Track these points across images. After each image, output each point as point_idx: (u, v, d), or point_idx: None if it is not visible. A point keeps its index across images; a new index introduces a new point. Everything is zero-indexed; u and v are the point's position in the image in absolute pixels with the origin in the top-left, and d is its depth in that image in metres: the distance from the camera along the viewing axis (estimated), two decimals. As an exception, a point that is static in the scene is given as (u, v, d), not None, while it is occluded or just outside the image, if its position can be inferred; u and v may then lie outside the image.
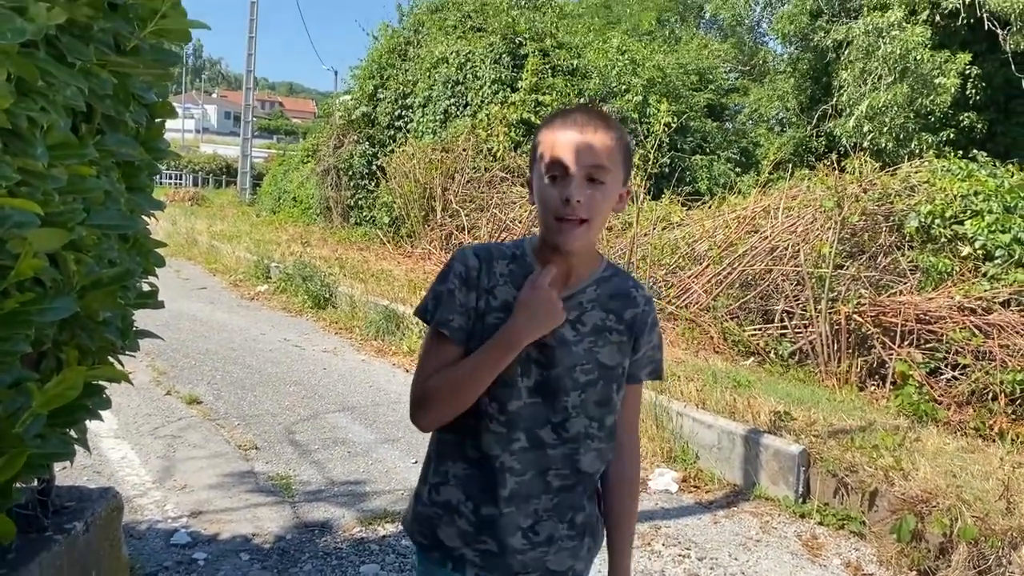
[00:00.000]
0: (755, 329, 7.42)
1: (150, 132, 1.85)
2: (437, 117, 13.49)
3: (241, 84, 24.84)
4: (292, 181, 18.80)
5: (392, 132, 14.51)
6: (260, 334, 7.13)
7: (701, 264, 8.47)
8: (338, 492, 3.76)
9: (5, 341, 1.30)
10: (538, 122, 12.39)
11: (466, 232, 10.95)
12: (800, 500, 4.06)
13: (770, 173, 10.67)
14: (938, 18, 15.49)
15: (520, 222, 10.55)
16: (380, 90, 15.11)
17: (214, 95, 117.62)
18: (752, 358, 7.07)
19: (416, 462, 4.24)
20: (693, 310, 8.02)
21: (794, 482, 4.13)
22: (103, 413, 3.98)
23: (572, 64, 13.33)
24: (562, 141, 1.43)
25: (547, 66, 13.03)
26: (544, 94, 12.61)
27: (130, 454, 3.99)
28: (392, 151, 13.42)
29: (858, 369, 6.51)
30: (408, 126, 14.22)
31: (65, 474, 3.61)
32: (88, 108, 1.58)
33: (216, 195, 27.15)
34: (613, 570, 1.66)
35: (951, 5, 15.02)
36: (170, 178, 32.89)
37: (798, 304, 7.39)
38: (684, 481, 4.32)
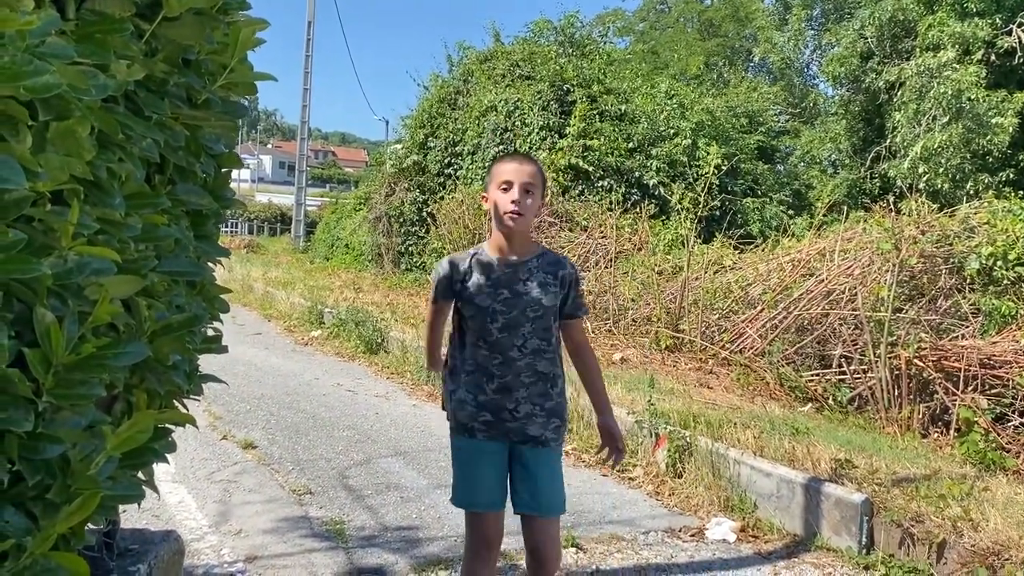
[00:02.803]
0: (812, 375, 7.26)
1: (217, 181, 1.91)
2: (486, 164, 13.66)
3: (295, 134, 25.51)
4: (345, 228, 19.16)
5: (442, 179, 14.74)
6: (313, 379, 7.22)
7: (755, 308, 8.36)
8: (391, 538, 3.75)
9: (82, 384, 1.33)
10: (587, 167, 12.51)
11: (515, 277, 10.99)
12: (864, 551, 3.92)
13: (824, 215, 10.55)
14: (993, 57, 15.27)
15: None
16: (430, 138, 15.40)
17: (269, 145, 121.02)
18: (810, 404, 6.91)
19: (469, 508, 4.22)
20: (747, 355, 7.89)
21: (857, 532, 4.00)
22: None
23: (620, 109, 13.43)
24: (508, 168, 2.54)
25: (595, 112, 13.15)
26: (592, 139, 12.72)
27: (187, 498, 4.04)
28: (442, 198, 13.60)
29: (920, 415, 6.31)
30: (458, 173, 14.43)
31: (126, 516, 3.67)
32: (161, 159, 1.64)
33: (271, 243, 27.78)
34: (599, 426, 2.78)
35: (1006, 44, 14.81)
36: (226, 226, 33.74)
37: (856, 349, 7.23)
38: (742, 531, 4.21)
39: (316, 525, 3.83)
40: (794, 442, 4.75)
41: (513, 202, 2.49)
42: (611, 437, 2.74)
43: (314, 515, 3.97)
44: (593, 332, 9.13)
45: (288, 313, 10.79)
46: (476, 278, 2.57)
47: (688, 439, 4.79)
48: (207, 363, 5.92)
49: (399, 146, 17.02)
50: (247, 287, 13.20)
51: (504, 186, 2.52)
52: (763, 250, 9.84)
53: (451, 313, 2.73)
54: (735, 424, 5.05)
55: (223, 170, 1.94)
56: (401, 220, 14.70)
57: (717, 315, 8.67)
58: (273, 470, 4.56)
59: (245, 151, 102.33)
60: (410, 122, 16.63)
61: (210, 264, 2.06)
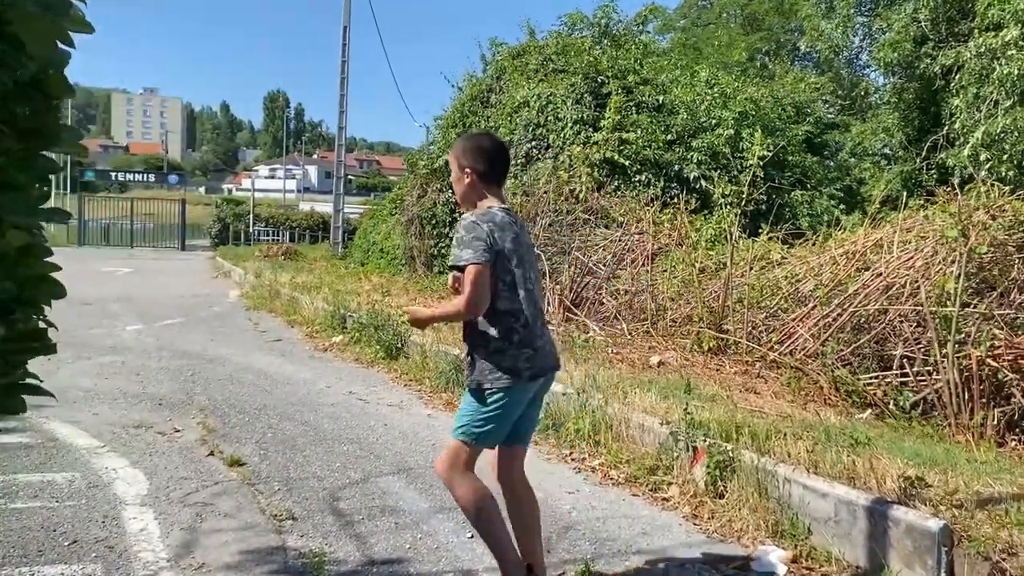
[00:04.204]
0: (871, 377, 6.54)
1: (40, 117, 1.38)
2: (518, 161, 13.12)
3: (343, 147, 25.31)
4: (379, 232, 18.78)
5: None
6: (325, 387, 6.72)
7: (806, 306, 7.65)
8: (376, 574, 3.20)
9: None
10: (623, 161, 11.87)
11: (548, 277, 10.40)
12: (944, 590, 3.25)
13: (880, 206, 9.77)
14: (1062, 34, 14.21)
15: (604, 264, 9.94)
16: (462, 138, 14.91)
17: (315, 156, 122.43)
18: (868, 411, 6.19)
19: (472, 536, 3.65)
20: (799, 357, 7.19)
21: (934, 566, 3.33)
22: (136, 478, 3.55)
23: (658, 100, 12.78)
24: None
25: (631, 103, 12.52)
26: (628, 132, 12.08)
27: (151, 525, 3.55)
28: (473, 197, 13.10)
29: (994, 421, 5.58)
30: (490, 172, 13.91)
31: (74, 549, 3.19)
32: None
33: (310, 249, 27.59)
34: None
35: (1074, 19, 13.76)
36: (267, 234, 33.77)
37: (919, 348, 6.51)
38: (794, 561, 3.57)
39: (292, 557, 3.30)
40: (854, 455, 4.08)
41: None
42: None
43: (292, 545, 3.44)
44: (630, 334, 8.50)
45: (311, 319, 10.36)
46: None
47: (730, 453, 4.15)
48: (211, 373, 5.52)
49: (432, 147, 16.57)
50: (274, 292, 12.83)
51: None
52: (814, 244, 9.10)
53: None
54: (785, 435, 4.40)
55: (53, 102, 1.40)
56: (433, 222, 14.22)
57: (764, 314, 7.97)
58: (257, 491, 4.05)
59: (291, 161, 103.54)
60: (442, 122, 16.18)
61: (39, 231, 1.52)
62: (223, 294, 14.57)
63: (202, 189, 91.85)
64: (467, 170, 2.94)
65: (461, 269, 2.75)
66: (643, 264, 9.80)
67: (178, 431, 5.01)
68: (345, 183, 27.59)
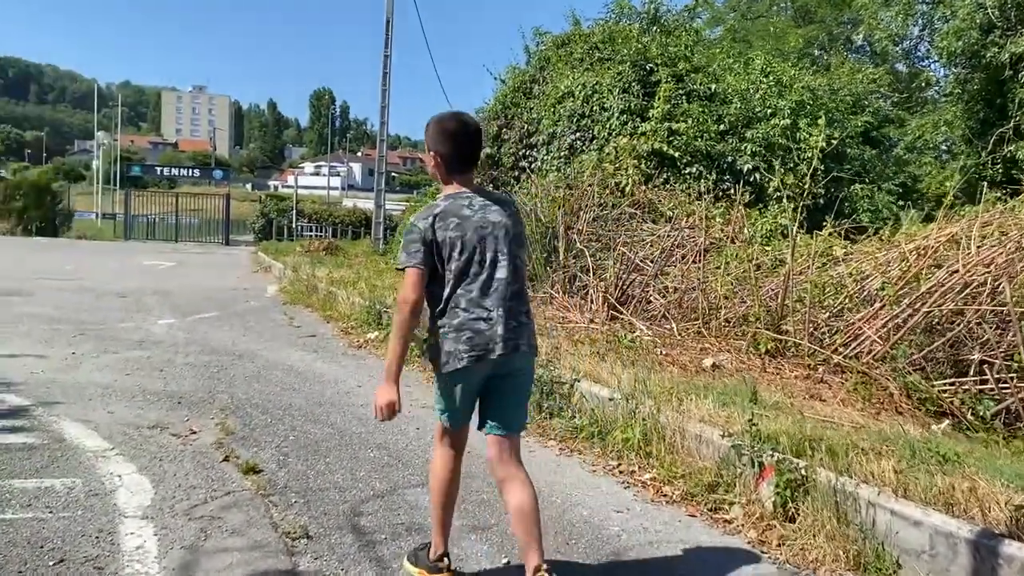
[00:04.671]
0: (947, 383, 5.96)
1: None
2: (562, 153, 12.66)
3: (384, 143, 25.07)
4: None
5: (516, 173, 13.80)
6: (356, 386, 6.34)
7: (873, 305, 7.06)
8: (397, 607, 2.78)
9: None
10: (672, 153, 11.33)
11: (591, 273, 9.91)
12: (1072, 645, 2.72)
13: (949, 206, 9.11)
14: None
15: (652, 261, 9.42)
16: (504, 130, 14.50)
17: (359, 154, 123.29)
18: (946, 421, 5.61)
19: (508, 561, 3.21)
20: (865, 360, 6.62)
21: (1055, 614, 2.80)
22: (141, 486, 3.17)
23: (709, 89, 12.20)
24: None
25: (681, 92, 11.96)
26: (678, 122, 11.53)
27: (149, 542, 3.17)
28: (515, 192, 12.66)
29: (1092, 435, 4.99)
30: (532, 166, 13.46)
31: (59, 570, 2.82)
32: None
33: (352, 245, 27.43)
34: None
35: None
36: (310, 230, 33.76)
37: (1000, 352, 5.93)
38: (882, 600, 3.06)
39: (302, 585, 2.90)
40: (947, 476, 3.54)
41: None
42: None
43: (304, 568, 3.04)
44: (680, 334, 7.98)
45: (348, 314, 10.02)
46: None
47: (803, 471, 3.64)
48: (237, 370, 5.15)
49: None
50: (311, 287, 12.54)
51: None
52: (880, 239, 8.48)
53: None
54: (862, 450, 3.87)
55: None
56: (473, 217, 13.83)
57: (827, 313, 7.39)
58: (271, 503, 3.66)
59: (336, 159, 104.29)
60: (483, 114, 15.77)
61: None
62: (261, 288, 14.35)
63: (248, 186, 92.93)
64: (432, 154, 2.95)
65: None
66: (694, 260, 9.26)
67: (194, 433, 4.65)
68: (388, 180, 27.40)
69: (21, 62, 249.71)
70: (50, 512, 3.36)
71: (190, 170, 45.18)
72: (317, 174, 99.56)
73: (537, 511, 2.89)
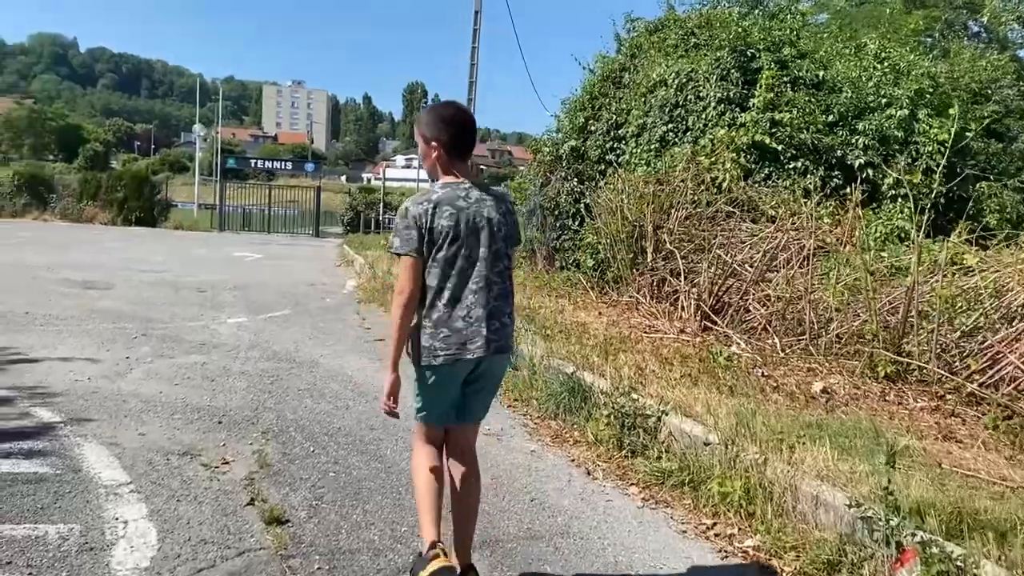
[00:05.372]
0: (1114, 425, 4.96)
1: None
2: (652, 146, 11.79)
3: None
4: (502, 223, 17.90)
5: (603, 167, 12.99)
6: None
7: (1016, 325, 6.05)
8: None
9: None
10: (775, 145, 10.33)
11: (682, 277, 9.08)
12: None
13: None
14: None
15: (751, 265, 8.52)
16: (591, 122, 13.71)
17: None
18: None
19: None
20: (1007, 391, 5.64)
21: None
22: (145, 538, 2.64)
23: (817, 76, 11.11)
24: None
25: (785, 80, 10.92)
26: (782, 112, 10.52)
27: (135, 620, 2.62)
28: (601, 187, 11.89)
29: None
30: (620, 159, 12.64)
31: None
32: None
33: (435, 239, 27.21)
34: None
35: None
36: (390, 223, 33.72)
37: None
38: None
39: None
40: None
41: None
42: None
43: (314, 669, 2.43)
44: (783, 351, 7.10)
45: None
46: None
47: (960, 562, 2.81)
48: (298, 380, 4.47)
49: (557, 133, 15.42)
50: (387, 285, 12.10)
51: None
52: (1019, 245, 7.37)
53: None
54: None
55: None
56: (556, 212, 13.11)
57: (958, 333, 6.40)
58: (288, 570, 3.06)
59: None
60: (570, 105, 15.00)
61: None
62: (340, 284, 14.05)
63: (343, 178, 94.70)
64: (433, 143, 2.85)
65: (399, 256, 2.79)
66: (800, 266, 8.31)
67: (226, 463, 4.13)
68: (477, 171, 26.96)
69: (134, 58, 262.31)
70: (30, 573, 2.85)
71: (283, 162, 46.01)
72: (408, 167, 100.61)
73: (477, 508, 3.03)
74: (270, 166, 43.00)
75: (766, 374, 6.38)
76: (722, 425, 4.29)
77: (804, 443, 4.03)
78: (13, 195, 29.75)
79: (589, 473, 4.39)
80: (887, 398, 5.90)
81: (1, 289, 10.15)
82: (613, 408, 4.68)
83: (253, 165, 40.70)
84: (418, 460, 2.98)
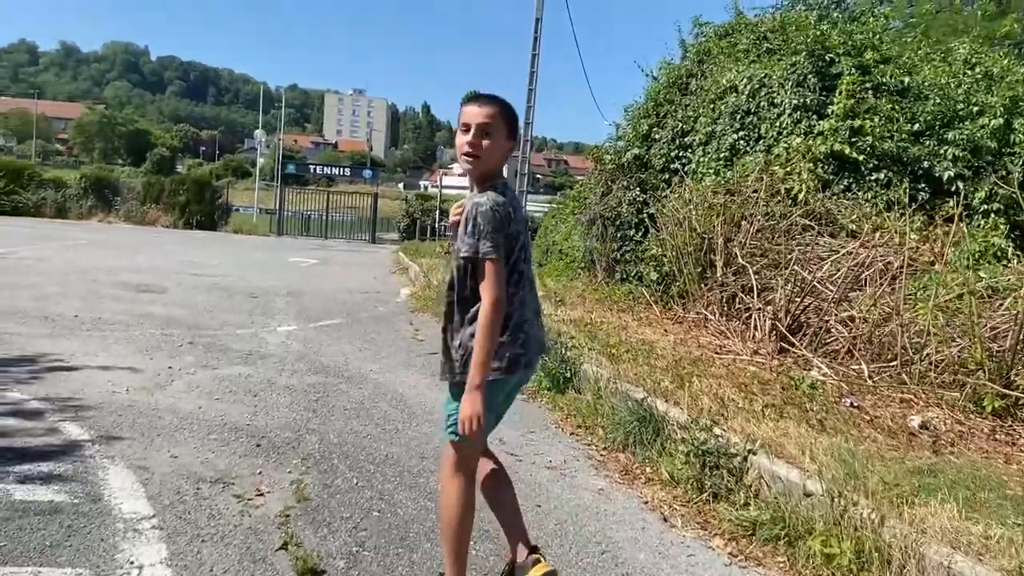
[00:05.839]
0: None
1: None
2: (721, 155, 11.20)
3: (529, 143, 24.32)
4: (560, 233, 17.46)
5: (667, 176, 12.44)
6: (471, 428, 5.30)
7: None
8: None
9: None
10: (856, 155, 9.65)
11: (755, 294, 8.49)
12: None
13: None
14: None
15: (833, 282, 7.88)
16: (655, 129, 13.17)
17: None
18: None
19: None
20: None
21: None
22: None
23: (901, 82, 10.39)
24: (467, 110, 2.61)
25: (867, 86, 10.23)
26: (864, 120, 9.84)
27: None
28: (665, 196, 11.33)
29: None
30: (686, 168, 12.07)
31: None
32: None
33: (490, 248, 26.85)
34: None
35: None
36: (445, 231, 33.54)
37: None
38: None
39: None
40: None
41: (468, 143, 2.59)
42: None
43: None
44: (871, 378, 6.47)
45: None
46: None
47: None
48: (345, 399, 4.10)
49: (620, 140, 14.89)
50: (441, 294, 11.74)
51: (463, 128, 2.61)
52: None
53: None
54: None
55: None
56: (617, 223, 12.57)
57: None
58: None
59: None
60: (634, 112, 14.47)
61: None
62: (394, 292, 13.75)
63: (400, 185, 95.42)
64: (508, 140, 2.69)
65: (472, 261, 2.54)
66: (887, 286, 7.66)
67: (261, 495, 3.73)
68: (531, 181, 26.62)
69: (201, 66, 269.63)
70: (25, 629, 2.48)
71: (342, 168, 46.31)
72: (464, 175, 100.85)
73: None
74: (329, 172, 43.28)
75: (855, 404, 5.78)
76: (821, 467, 3.73)
77: (919, 495, 3.46)
78: (80, 197, 30.36)
79: (666, 519, 3.87)
80: (996, 436, 5.25)
81: (56, 291, 10.07)
82: (693, 445, 4.16)
83: (313, 171, 41.00)
84: (467, 495, 2.69)
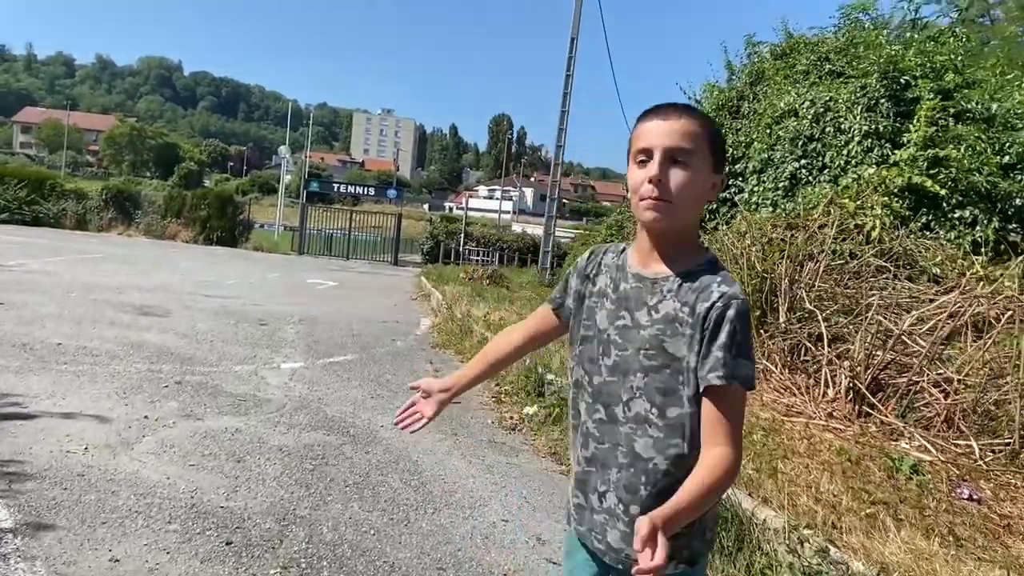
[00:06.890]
0: None
1: None
2: (780, 184, 10.16)
3: (559, 168, 23.44)
4: (592, 262, 16.43)
5: (715, 205, 11.42)
6: (500, 521, 4.24)
7: None
8: None
9: None
10: (936, 189, 8.57)
11: (825, 344, 7.40)
12: None
13: None
14: None
15: (922, 335, 6.78)
16: (703, 155, 12.17)
17: (532, 179, 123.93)
18: None
19: None
20: None
21: None
22: None
23: (988, 109, 9.31)
24: (647, 128, 1.59)
25: (949, 112, 9.17)
26: (945, 149, 8.77)
27: None
28: (716, 228, 10.29)
29: None
30: (738, 197, 11.04)
31: None
32: None
33: (517, 273, 25.88)
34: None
35: None
36: (477, 254, 32.63)
37: None
38: None
39: None
40: None
41: (652, 181, 1.56)
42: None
43: None
44: (982, 458, 5.36)
45: (503, 373, 8.06)
46: (602, 284, 1.73)
47: None
48: (333, 455, 2.72)
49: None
50: (465, 329, 10.73)
51: (642, 157, 1.60)
52: None
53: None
54: None
55: None
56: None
57: None
58: None
59: (509, 183, 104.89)
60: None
61: None
62: (414, 322, 12.76)
63: (425, 206, 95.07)
64: (718, 175, 1.66)
65: (722, 390, 1.52)
66: (978, 339, 6.57)
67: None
68: (559, 206, 25.71)
69: (233, 82, 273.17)
70: None
71: (367, 187, 45.67)
72: (490, 197, 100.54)
73: None
74: (354, 191, 42.69)
75: (974, 496, 4.68)
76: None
77: None
78: (100, 209, 29.83)
79: None
80: None
81: (50, 312, 9.19)
82: (803, 573, 3.10)
83: (337, 189, 40.41)
84: None
